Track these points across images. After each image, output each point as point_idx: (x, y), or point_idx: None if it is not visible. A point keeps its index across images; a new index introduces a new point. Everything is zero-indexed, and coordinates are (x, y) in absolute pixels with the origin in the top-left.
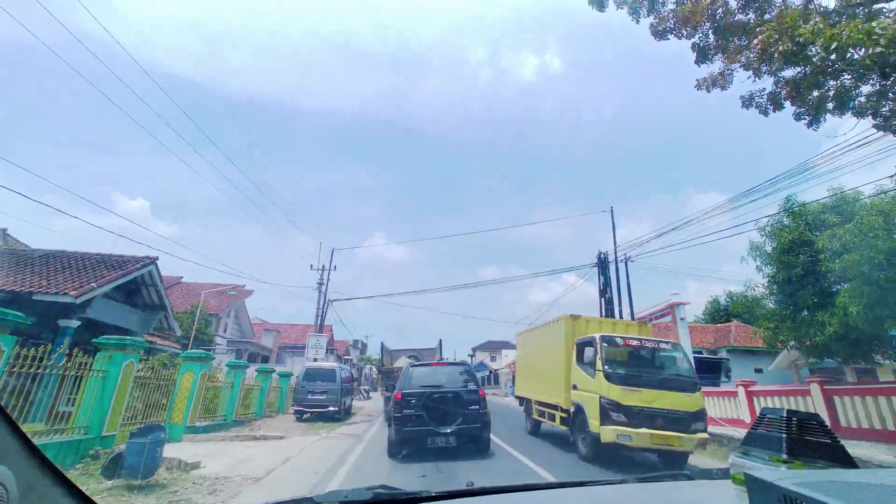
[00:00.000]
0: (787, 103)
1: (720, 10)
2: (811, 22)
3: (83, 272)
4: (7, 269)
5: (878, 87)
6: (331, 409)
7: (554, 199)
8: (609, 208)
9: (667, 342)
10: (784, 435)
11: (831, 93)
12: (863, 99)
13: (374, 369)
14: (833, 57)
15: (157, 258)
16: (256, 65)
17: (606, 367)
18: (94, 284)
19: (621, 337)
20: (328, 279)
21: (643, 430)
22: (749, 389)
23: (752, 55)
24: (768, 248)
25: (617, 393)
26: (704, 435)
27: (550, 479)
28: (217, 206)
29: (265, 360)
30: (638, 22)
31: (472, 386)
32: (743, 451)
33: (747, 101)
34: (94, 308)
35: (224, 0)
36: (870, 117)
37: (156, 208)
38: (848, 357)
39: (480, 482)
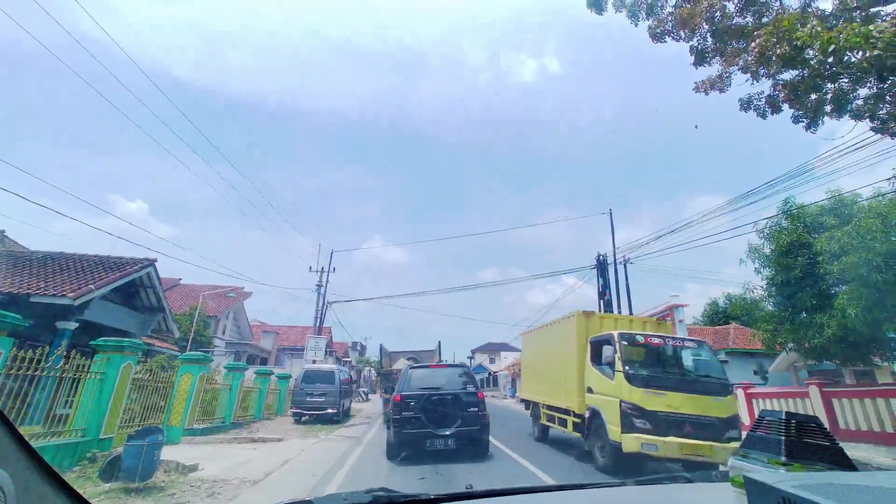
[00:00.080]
0: (786, 106)
1: (718, 14)
2: (808, 25)
3: (81, 274)
4: (5, 271)
5: (875, 90)
6: (329, 411)
7: (553, 200)
8: (608, 210)
9: (692, 340)
10: (783, 437)
11: (829, 96)
12: (860, 102)
13: (373, 371)
14: (830, 60)
15: (155, 260)
16: (256, 65)
17: (627, 367)
18: (92, 286)
19: (642, 334)
20: (327, 281)
21: (671, 438)
22: (748, 391)
23: (750, 58)
24: (767, 251)
25: (639, 396)
26: (738, 445)
27: (550, 482)
28: (216, 207)
29: (264, 361)
30: (637, 25)
31: (470, 388)
32: (742, 454)
33: (746, 104)
34: (93, 310)
35: (224, 0)
36: (867, 120)
37: (155, 210)
38: (846, 359)
39: (479, 485)
